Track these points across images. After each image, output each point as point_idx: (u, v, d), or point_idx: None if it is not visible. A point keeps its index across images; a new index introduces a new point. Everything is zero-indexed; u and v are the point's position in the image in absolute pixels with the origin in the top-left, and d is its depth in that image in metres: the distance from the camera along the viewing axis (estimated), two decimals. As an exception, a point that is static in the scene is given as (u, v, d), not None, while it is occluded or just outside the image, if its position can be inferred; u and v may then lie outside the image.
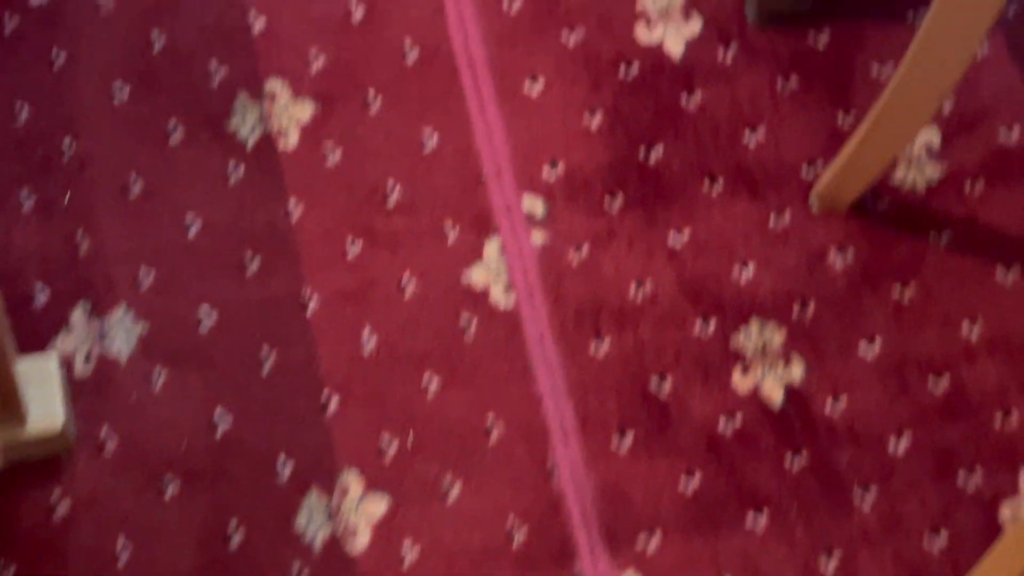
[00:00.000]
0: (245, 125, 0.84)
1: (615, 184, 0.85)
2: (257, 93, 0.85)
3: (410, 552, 0.69)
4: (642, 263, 0.83)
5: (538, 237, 0.83)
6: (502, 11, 0.89)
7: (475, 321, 0.80)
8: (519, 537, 0.71)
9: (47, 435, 0.68)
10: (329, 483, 0.71)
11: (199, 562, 0.69)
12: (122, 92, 0.84)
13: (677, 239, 0.83)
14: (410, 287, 0.81)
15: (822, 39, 0.91)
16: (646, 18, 0.91)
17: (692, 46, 0.90)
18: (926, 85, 0.76)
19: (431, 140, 0.86)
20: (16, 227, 0.80)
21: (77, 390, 0.73)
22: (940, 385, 0.79)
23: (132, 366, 0.76)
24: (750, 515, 0.72)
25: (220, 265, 0.81)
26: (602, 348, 0.80)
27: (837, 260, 0.83)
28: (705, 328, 0.80)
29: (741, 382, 0.78)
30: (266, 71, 0.86)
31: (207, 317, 0.78)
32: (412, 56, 0.88)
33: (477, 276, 0.82)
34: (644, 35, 0.89)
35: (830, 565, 0.71)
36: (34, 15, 0.86)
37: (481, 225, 0.84)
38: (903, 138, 0.82)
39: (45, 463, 0.70)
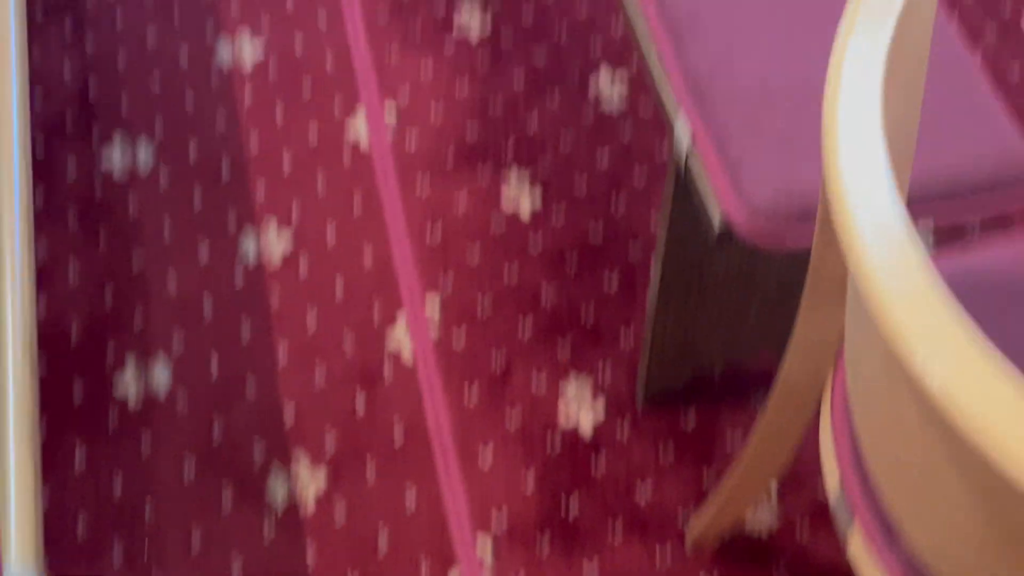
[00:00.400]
0: (278, 491, 1.16)
1: (544, 528, 1.17)
2: (286, 462, 1.19)
3: None
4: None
5: (487, 571, 1.13)
6: (463, 402, 1.26)
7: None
8: None
9: None
10: None
11: None
12: (190, 470, 1.18)
13: (590, 571, 1.14)
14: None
15: (691, 418, 1.25)
16: (566, 402, 1.27)
17: (598, 426, 1.24)
18: (767, 456, 1.02)
19: (411, 496, 1.18)
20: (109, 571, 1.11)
21: None
22: None
23: None
24: None
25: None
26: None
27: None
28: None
29: None
30: (293, 446, 1.20)
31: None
32: (398, 433, 1.23)
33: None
34: (563, 419, 1.25)
35: None
36: (129, 415, 1.22)
37: (446, 560, 1.14)
38: (752, 495, 1.15)
39: None
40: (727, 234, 0.91)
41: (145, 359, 1.20)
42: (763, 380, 1.09)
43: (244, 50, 1.47)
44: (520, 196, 1.37)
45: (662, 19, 1.00)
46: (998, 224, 1.21)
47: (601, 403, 1.24)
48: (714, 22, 1.02)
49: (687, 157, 0.96)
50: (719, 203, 0.91)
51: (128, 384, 1.18)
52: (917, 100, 0.70)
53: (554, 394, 1.24)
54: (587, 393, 1.25)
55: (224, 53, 1.46)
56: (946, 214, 0.95)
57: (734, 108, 0.96)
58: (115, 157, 1.36)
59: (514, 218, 1.35)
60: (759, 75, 1.00)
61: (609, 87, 1.48)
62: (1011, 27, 1.59)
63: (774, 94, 0.99)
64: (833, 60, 0.51)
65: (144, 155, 1.36)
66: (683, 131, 0.95)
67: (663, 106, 1.00)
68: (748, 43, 1.03)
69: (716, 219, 0.91)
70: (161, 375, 1.19)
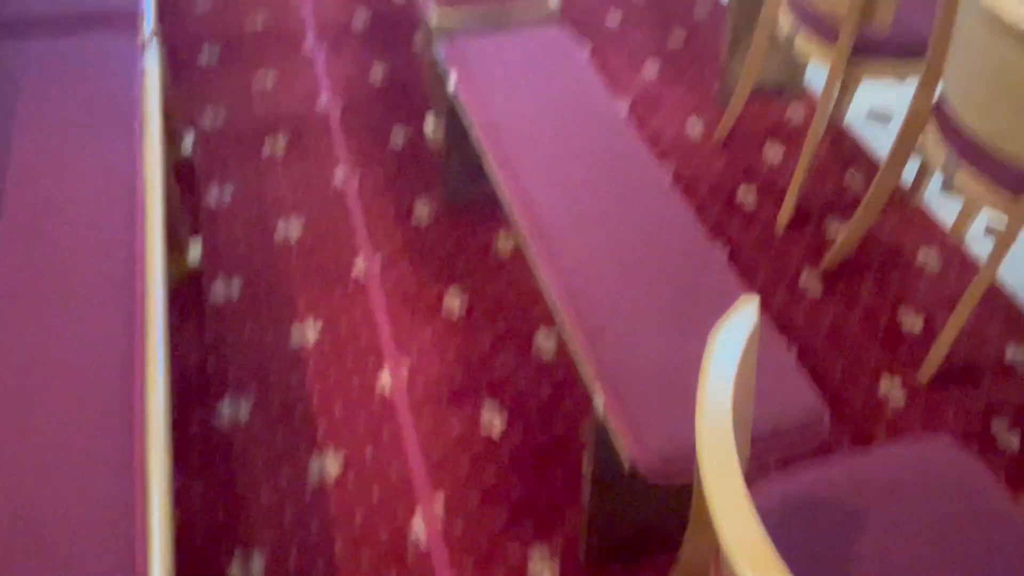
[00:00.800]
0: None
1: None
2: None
3: None
4: None
5: None
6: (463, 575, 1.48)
7: None
8: None
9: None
10: None
11: None
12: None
13: None
14: None
15: (624, 572, 1.47)
16: (533, 563, 1.49)
17: (554, 580, 1.46)
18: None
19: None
20: None
21: None
22: None
23: None
24: None
25: None
26: None
27: None
28: None
29: None
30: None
31: None
32: (417, 593, 1.43)
33: None
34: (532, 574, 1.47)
35: None
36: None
37: None
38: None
39: None
40: (634, 471, 1.03)
41: (246, 552, 1.41)
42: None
43: (308, 334, 1.78)
44: (492, 419, 1.65)
45: (579, 322, 1.20)
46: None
47: (557, 563, 1.40)
48: (617, 328, 1.17)
49: (603, 417, 1.10)
50: (627, 450, 1.03)
51: (235, 571, 1.39)
52: (751, 384, 0.80)
53: (524, 558, 1.43)
54: (547, 556, 1.41)
55: (296, 337, 1.77)
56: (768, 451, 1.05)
57: (634, 385, 1.09)
58: (224, 411, 1.63)
59: (488, 437, 1.62)
60: (651, 363, 1.12)
61: (545, 341, 1.80)
62: (793, 287, 1.96)
63: (662, 376, 1.10)
64: (704, 362, 0.61)
65: (244, 408, 1.63)
66: (599, 401, 1.10)
67: (584, 380, 1.16)
68: (644, 342, 1.16)
69: (625, 462, 1.04)
70: (257, 565, 1.40)
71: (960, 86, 1.44)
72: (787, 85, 2.52)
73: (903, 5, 1.67)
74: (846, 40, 1.72)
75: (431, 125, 2.24)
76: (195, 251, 1.87)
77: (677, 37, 2.77)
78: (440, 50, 1.77)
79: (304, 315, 1.78)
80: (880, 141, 2.40)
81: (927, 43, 1.61)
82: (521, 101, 1.58)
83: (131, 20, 1.71)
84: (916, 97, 1.59)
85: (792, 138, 2.39)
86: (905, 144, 1.67)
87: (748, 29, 2.29)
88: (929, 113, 1.58)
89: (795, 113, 2.49)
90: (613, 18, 2.86)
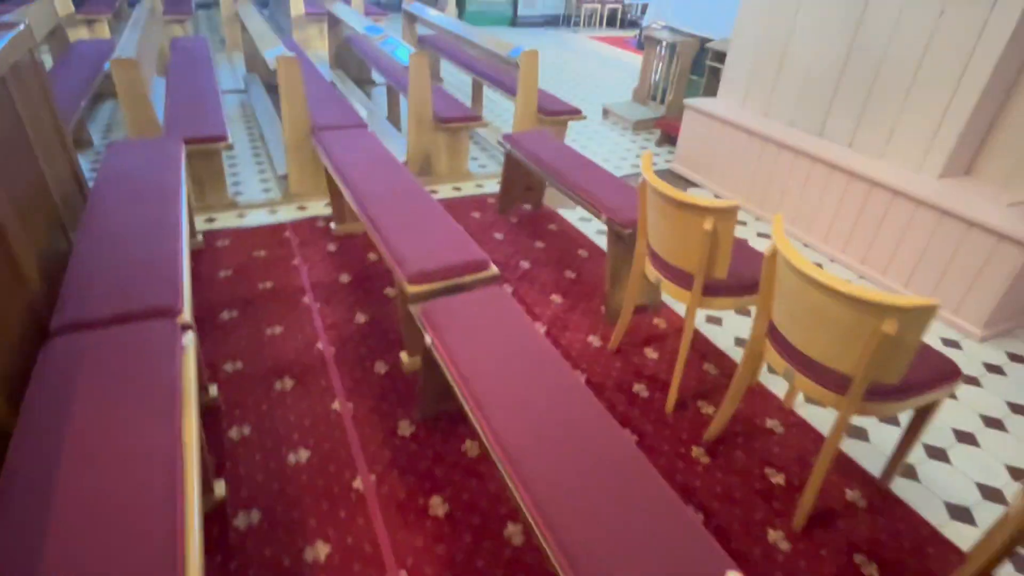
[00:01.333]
0: None
1: None
2: None
3: None
4: None
5: None
6: None
7: None
8: None
9: None
10: None
11: None
12: None
13: None
14: None
15: None
16: None
17: None
18: None
19: None
20: None
21: None
22: None
23: None
24: None
25: None
26: None
27: None
28: None
29: None
30: None
31: None
32: None
33: None
34: None
35: None
36: None
37: None
38: None
39: None
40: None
41: None
42: None
43: (320, 553, 1.62)
44: (480, 608, 1.50)
45: (540, 514, 1.16)
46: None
47: None
48: (570, 513, 1.11)
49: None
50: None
51: None
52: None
53: None
54: None
55: (309, 556, 1.60)
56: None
57: (593, 561, 1.04)
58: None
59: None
60: (602, 539, 1.05)
61: (515, 531, 1.71)
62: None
63: (615, 551, 1.04)
64: None
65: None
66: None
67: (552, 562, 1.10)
68: (593, 520, 1.09)
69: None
70: None
71: (786, 318, 1.60)
72: (651, 303, 2.71)
73: (735, 259, 1.88)
74: (697, 287, 1.90)
75: (405, 359, 2.25)
76: (220, 488, 1.72)
77: (570, 274, 2.97)
78: (416, 312, 1.82)
79: (315, 536, 1.63)
80: (721, 340, 2.57)
81: (755, 284, 1.80)
82: (482, 349, 1.62)
83: (171, 311, 1.68)
84: (755, 326, 1.75)
85: (662, 341, 2.53)
86: (753, 359, 1.79)
87: (622, 273, 2.49)
88: (766, 336, 1.73)
89: (660, 322, 2.66)
90: (524, 263, 3.04)
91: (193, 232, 3.04)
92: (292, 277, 2.79)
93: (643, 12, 11.54)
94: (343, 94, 5.49)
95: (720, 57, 4.91)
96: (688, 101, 4.04)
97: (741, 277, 1.97)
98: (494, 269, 2.01)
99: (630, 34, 10.70)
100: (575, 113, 4.28)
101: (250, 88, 5.52)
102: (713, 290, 1.94)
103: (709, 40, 5.13)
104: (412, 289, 1.89)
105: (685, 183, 4.15)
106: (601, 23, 11.15)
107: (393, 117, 5.15)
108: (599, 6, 10.97)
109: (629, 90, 6.93)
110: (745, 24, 3.75)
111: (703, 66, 5.42)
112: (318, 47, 7.80)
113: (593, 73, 7.66)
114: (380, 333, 2.47)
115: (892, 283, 2.95)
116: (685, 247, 1.88)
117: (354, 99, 5.35)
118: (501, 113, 5.72)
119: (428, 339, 1.72)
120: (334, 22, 5.85)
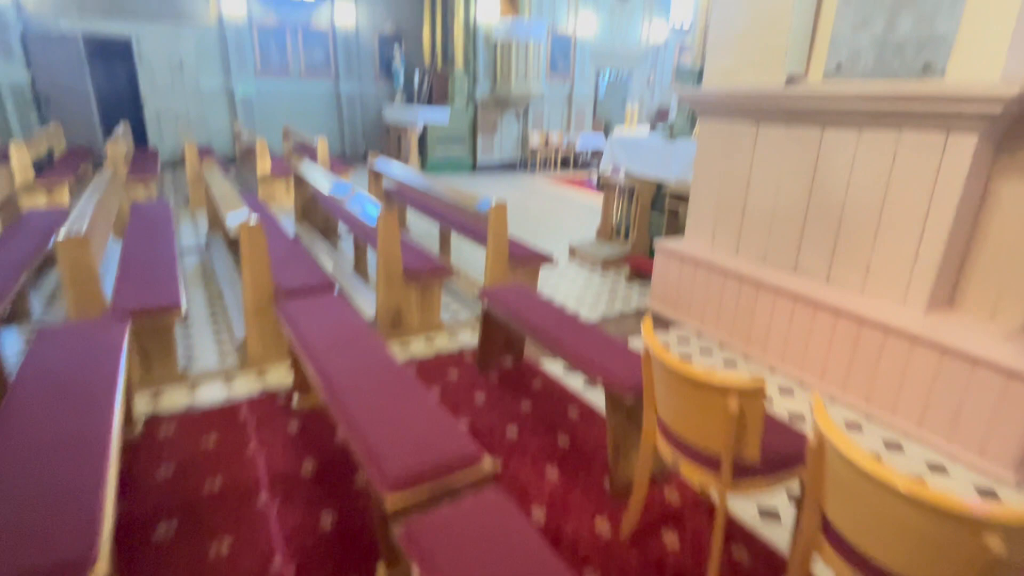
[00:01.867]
0: None
1: None
2: None
3: None
4: None
5: None
6: None
7: None
8: None
9: None
10: None
11: None
12: None
13: None
14: None
15: None
16: None
17: None
18: None
19: None
20: None
21: None
22: None
23: None
24: None
25: None
26: None
27: None
28: None
29: None
30: None
31: None
32: None
33: None
34: None
35: None
36: None
37: None
38: None
39: None
40: None
41: None
42: None
43: None
44: None
45: None
46: None
47: None
48: None
49: None
50: None
51: None
52: None
53: None
54: None
55: None
56: None
57: None
58: None
59: None
60: None
61: None
62: None
63: None
64: None
65: None
66: None
67: None
68: None
69: None
70: None
71: (848, 519, 1.33)
72: (658, 472, 2.41)
73: (765, 433, 1.64)
74: (727, 472, 1.64)
75: (383, 574, 1.84)
76: None
77: (563, 441, 2.68)
78: (398, 536, 1.48)
79: None
80: (746, 513, 2.27)
81: (791, 458, 1.55)
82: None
83: (81, 566, 1.30)
84: (804, 521, 1.47)
85: (680, 521, 2.20)
86: (803, 559, 1.50)
87: (626, 445, 2.22)
88: (818, 534, 1.45)
89: (673, 495, 2.35)
90: (511, 431, 2.74)
91: (131, 420, 2.65)
92: (246, 470, 2.40)
93: (593, 155, 12.41)
94: (309, 247, 5.40)
95: (679, 199, 5.10)
96: (659, 242, 4.06)
97: (774, 452, 1.72)
98: (488, 462, 1.72)
99: (583, 174, 11.38)
100: (545, 259, 4.24)
101: (212, 246, 5.38)
102: (743, 471, 1.68)
103: (664, 183, 5.36)
104: (393, 502, 1.56)
105: (664, 322, 4.04)
106: (555, 166, 11.87)
107: (361, 268, 5.03)
108: (553, 151, 11.74)
109: (591, 228, 7.13)
110: (702, 172, 3.89)
111: (662, 204, 5.62)
112: (284, 200, 7.90)
113: (554, 212, 7.92)
114: (351, 538, 2.07)
115: (904, 422, 2.76)
116: (705, 428, 1.64)
117: (320, 252, 5.25)
118: (471, 259, 5.70)
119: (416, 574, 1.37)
120: (300, 179, 5.93)
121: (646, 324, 1.82)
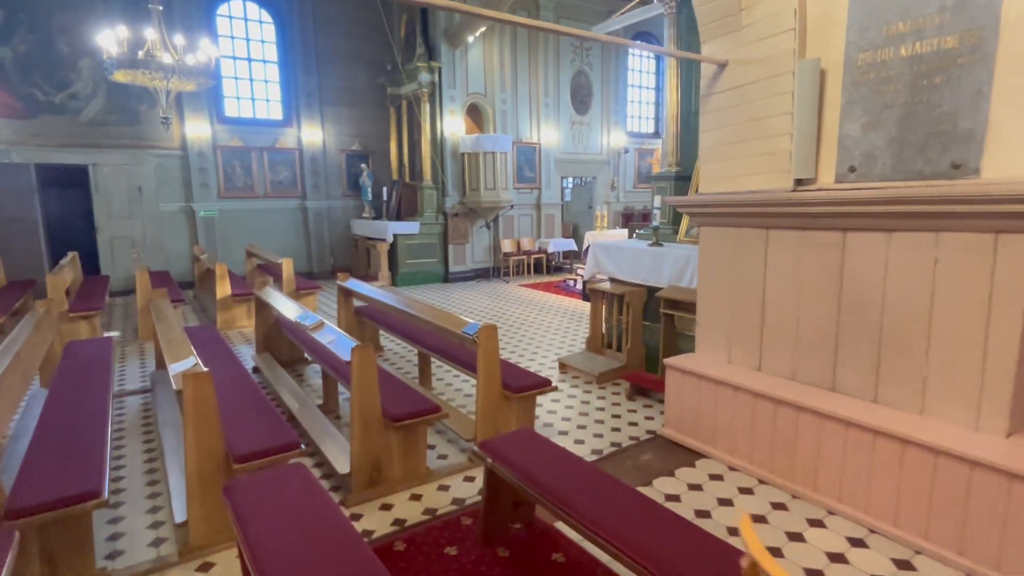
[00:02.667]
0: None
1: None
2: None
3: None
4: None
5: None
6: None
7: None
8: None
9: None
10: None
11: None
12: None
13: None
14: None
15: None
16: None
17: None
18: None
19: None
20: None
21: None
22: None
23: None
24: None
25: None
26: None
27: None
28: None
29: None
30: None
31: None
32: None
33: None
34: None
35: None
36: None
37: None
38: None
39: None
40: None
41: None
42: None
43: None
44: None
45: None
46: None
47: None
48: None
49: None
50: None
51: None
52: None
53: None
54: None
55: None
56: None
57: None
58: None
59: None
60: None
61: None
62: None
63: None
64: None
65: None
66: None
67: None
68: None
69: None
70: None
71: None
72: None
73: None
74: None
75: None
76: None
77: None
78: None
79: None
80: None
81: None
82: None
83: None
84: None
85: None
86: None
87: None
88: None
89: None
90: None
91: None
92: None
93: (564, 257, 12.32)
94: (271, 382, 4.78)
95: (674, 305, 4.77)
96: (669, 362, 3.63)
97: None
98: None
99: (557, 278, 11.19)
100: (544, 385, 3.74)
101: (157, 389, 4.70)
102: None
103: (657, 288, 5.06)
104: None
105: (683, 451, 3.51)
106: (529, 271, 11.69)
107: (331, 405, 4.42)
108: (525, 257, 11.61)
109: (576, 335, 6.72)
110: (709, 282, 3.56)
111: (655, 310, 5.28)
112: (246, 324, 7.30)
113: (535, 320, 7.52)
114: None
115: (977, 566, 2.23)
116: None
117: (284, 388, 4.63)
118: (456, 384, 5.15)
119: None
120: (263, 304, 5.41)
121: (744, 522, 1.31)
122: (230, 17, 10.50)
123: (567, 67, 12.22)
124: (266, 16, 10.75)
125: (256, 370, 5.42)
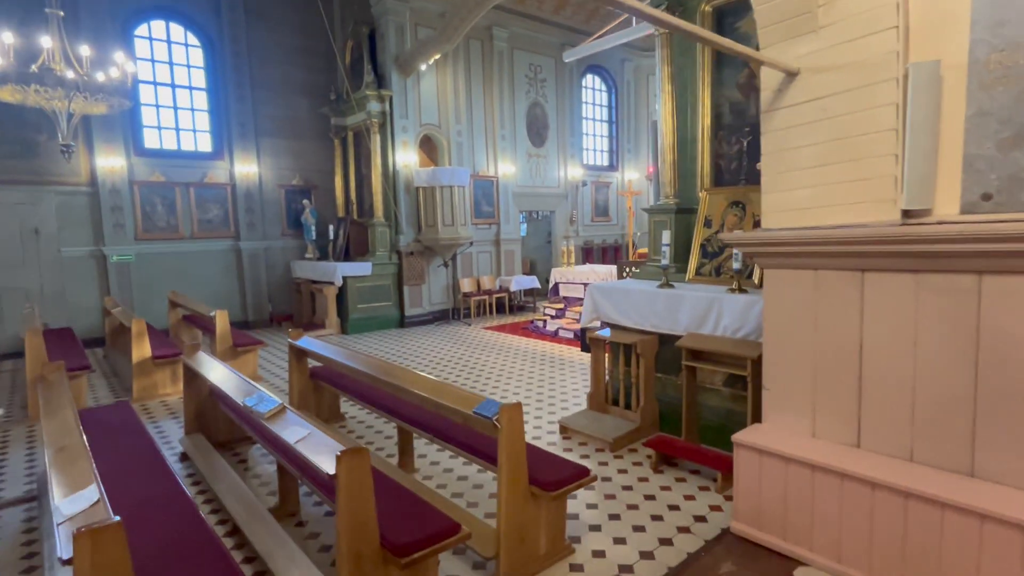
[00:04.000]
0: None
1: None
2: None
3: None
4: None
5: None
6: None
7: None
8: None
9: None
10: None
11: None
12: None
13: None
14: None
15: None
16: None
17: None
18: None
19: None
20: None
21: None
22: None
23: None
24: None
25: None
26: None
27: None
28: None
29: None
30: None
31: None
32: None
33: None
34: None
35: None
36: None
37: None
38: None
39: None
40: None
41: None
42: None
43: None
44: None
45: None
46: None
47: None
48: None
49: None
50: None
51: None
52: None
53: None
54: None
55: None
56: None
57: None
58: None
59: None
60: None
61: None
62: None
63: None
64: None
65: None
66: None
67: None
68: None
69: None
70: None
71: None
72: None
73: None
74: None
75: None
76: None
77: None
78: None
79: None
80: None
81: None
82: None
83: None
84: None
85: None
86: None
87: None
88: None
89: None
90: None
91: None
92: None
93: (526, 295, 11.59)
94: (206, 475, 3.67)
95: (696, 355, 4.10)
96: (738, 438, 2.89)
97: None
98: None
99: (522, 319, 10.44)
100: (582, 476, 2.91)
101: (43, 500, 3.49)
102: None
103: (671, 337, 4.39)
104: None
105: (770, 556, 2.75)
106: (491, 311, 10.88)
107: (289, 507, 3.38)
108: (486, 297, 10.80)
109: (561, 385, 5.93)
110: (780, 334, 2.88)
111: (665, 363, 4.61)
112: (170, 391, 6.03)
113: (509, 368, 6.67)
114: None
115: None
116: None
117: (222, 487, 3.54)
118: (443, 460, 4.20)
119: None
120: (193, 373, 4.30)
121: None
122: (150, 39, 9.33)
123: (523, 98, 11.76)
124: (193, 39, 9.66)
125: (185, 457, 4.27)
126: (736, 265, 4.17)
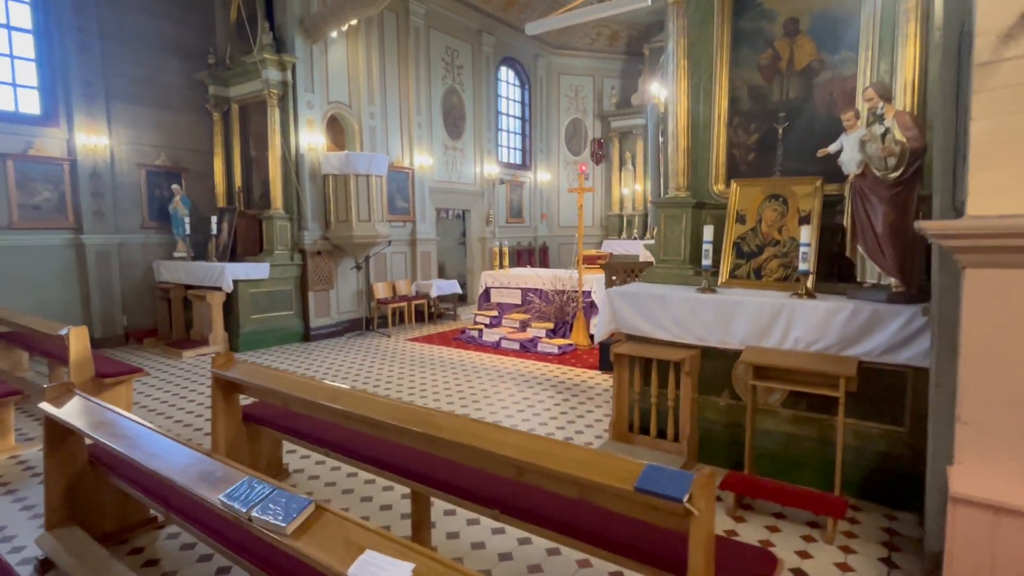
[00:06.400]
0: None
1: None
2: None
3: None
4: None
5: None
6: None
7: None
8: None
9: None
10: None
11: None
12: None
13: None
14: None
15: None
16: None
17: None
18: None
19: None
20: None
21: None
22: None
23: None
24: None
25: None
26: None
27: None
28: None
29: None
30: None
31: None
32: None
33: None
34: None
35: None
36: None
37: None
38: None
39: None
40: None
41: None
42: None
43: None
44: None
45: None
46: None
47: None
48: None
49: None
50: None
51: None
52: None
53: None
54: None
55: None
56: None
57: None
58: None
59: None
60: None
61: None
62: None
63: None
64: None
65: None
66: None
67: None
68: None
69: None
70: None
71: None
72: None
73: None
74: None
75: None
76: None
77: None
78: None
79: None
80: None
81: None
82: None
83: None
84: None
85: None
86: None
87: None
88: None
89: None
90: None
91: None
92: None
93: (443, 301, 10.42)
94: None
95: (761, 373, 3.44)
96: (959, 494, 2.18)
97: None
98: None
99: (448, 328, 9.31)
100: (769, 566, 2.02)
101: None
102: None
103: (718, 351, 3.70)
104: None
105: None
106: (409, 320, 9.59)
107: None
108: (404, 304, 9.49)
109: (535, 408, 4.90)
110: (989, 351, 2.24)
111: (705, 382, 3.92)
112: (5, 454, 4.05)
113: (464, 390, 5.58)
114: None
115: None
116: None
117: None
118: (463, 529, 3.06)
119: None
120: (63, 433, 2.69)
121: None
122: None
123: (439, 83, 10.65)
124: (12, -39, 7.17)
125: (46, 567, 2.66)
126: (803, 266, 3.57)
